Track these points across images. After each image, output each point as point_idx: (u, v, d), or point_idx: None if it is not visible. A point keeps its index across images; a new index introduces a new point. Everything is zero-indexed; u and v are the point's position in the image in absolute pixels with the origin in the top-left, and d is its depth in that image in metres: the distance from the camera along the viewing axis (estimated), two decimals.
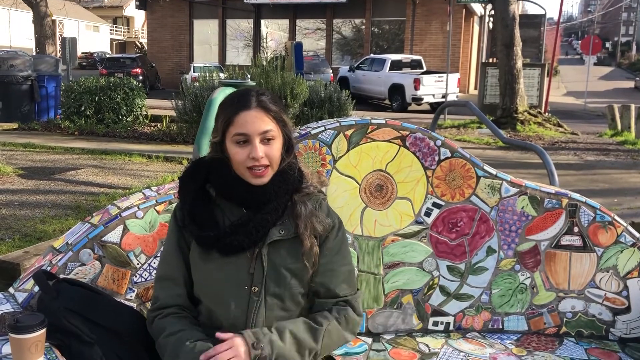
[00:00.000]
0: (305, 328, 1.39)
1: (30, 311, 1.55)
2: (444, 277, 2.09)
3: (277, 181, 1.42)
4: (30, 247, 3.30)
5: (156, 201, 1.81)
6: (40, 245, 3.34)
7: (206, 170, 1.45)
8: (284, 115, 1.42)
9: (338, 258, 1.48)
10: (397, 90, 17.02)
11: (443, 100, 14.46)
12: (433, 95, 16.64)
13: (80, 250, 1.71)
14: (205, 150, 3.65)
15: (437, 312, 2.10)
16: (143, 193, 1.91)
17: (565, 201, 2.11)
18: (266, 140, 1.38)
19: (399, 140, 2.06)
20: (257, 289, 1.39)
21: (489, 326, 2.13)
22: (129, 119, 10.64)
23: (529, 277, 2.12)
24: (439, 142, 2.08)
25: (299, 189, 1.46)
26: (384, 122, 2.07)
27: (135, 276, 1.76)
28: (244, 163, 1.37)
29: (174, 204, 1.54)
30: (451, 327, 2.12)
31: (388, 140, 2.05)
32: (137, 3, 25.81)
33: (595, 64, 32.96)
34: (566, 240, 2.12)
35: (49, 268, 1.69)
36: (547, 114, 13.16)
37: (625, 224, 2.14)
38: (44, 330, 1.27)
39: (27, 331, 1.25)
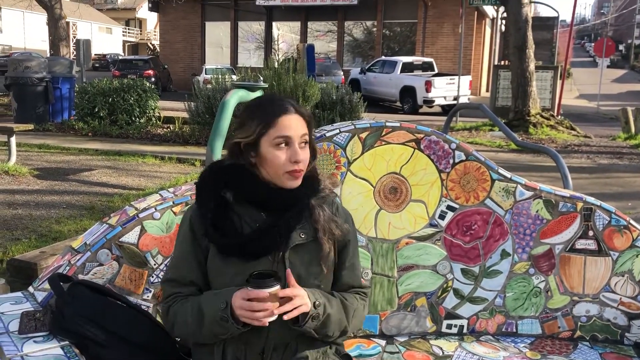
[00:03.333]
0: (340, 305, 1.47)
1: (50, 310, 1.57)
2: (457, 280, 2.09)
3: (305, 185, 1.45)
4: (47, 247, 3.33)
5: (173, 202, 1.83)
6: (56, 246, 3.38)
7: (225, 176, 1.45)
8: (313, 122, 1.49)
9: (356, 255, 1.57)
10: (408, 92, 16.99)
11: (454, 102, 14.41)
12: (444, 97, 16.60)
13: (98, 251, 1.73)
14: (218, 152, 3.66)
15: (451, 315, 2.10)
16: (160, 194, 1.93)
17: (580, 205, 2.11)
18: (303, 144, 1.42)
19: (414, 143, 2.06)
20: None
21: (503, 329, 2.13)
22: (142, 121, 10.72)
23: (543, 280, 2.11)
24: (453, 145, 2.08)
25: (316, 192, 1.49)
26: (398, 124, 2.07)
27: (152, 276, 1.78)
28: (284, 167, 1.39)
29: (189, 207, 1.53)
30: (465, 330, 2.11)
31: (402, 143, 2.06)
32: (150, 5, 26.02)
33: (608, 67, 32.69)
34: (581, 244, 2.11)
35: (67, 268, 1.72)
36: (559, 116, 13.09)
37: None
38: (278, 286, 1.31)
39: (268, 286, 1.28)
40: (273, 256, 1.41)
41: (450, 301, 2.10)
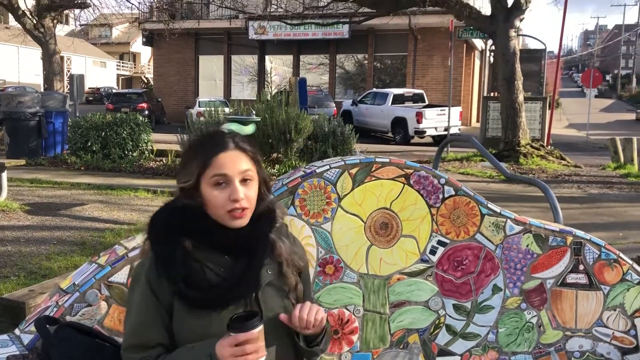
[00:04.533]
0: None
1: (37, 353, 1.55)
2: (450, 316, 2.08)
3: (261, 223, 1.39)
4: (36, 286, 3.29)
5: None
6: (45, 284, 3.34)
7: (180, 220, 1.36)
8: (259, 156, 1.42)
9: (309, 276, 1.57)
10: (399, 123, 17.18)
11: (445, 133, 14.55)
12: (435, 128, 16.78)
13: (87, 291, 1.72)
14: None
15: (444, 352, 2.09)
16: None
17: (569, 239, 2.12)
18: (244, 181, 1.35)
19: (403, 178, 2.08)
20: None
21: None
22: (134, 154, 10.73)
23: (535, 315, 2.11)
24: (442, 181, 2.10)
25: (274, 226, 1.44)
26: (388, 160, 2.09)
27: None
28: (224, 206, 1.32)
29: (139, 263, 1.41)
30: None
31: (392, 179, 2.07)
32: (144, 39, 26.32)
33: (596, 96, 33.26)
34: (572, 278, 2.11)
35: (55, 309, 1.70)
36: (549, 146, 13.22)
37: (630, 262, 2.14)
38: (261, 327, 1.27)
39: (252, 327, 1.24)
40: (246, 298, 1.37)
41: (442, 337, 2.08)
